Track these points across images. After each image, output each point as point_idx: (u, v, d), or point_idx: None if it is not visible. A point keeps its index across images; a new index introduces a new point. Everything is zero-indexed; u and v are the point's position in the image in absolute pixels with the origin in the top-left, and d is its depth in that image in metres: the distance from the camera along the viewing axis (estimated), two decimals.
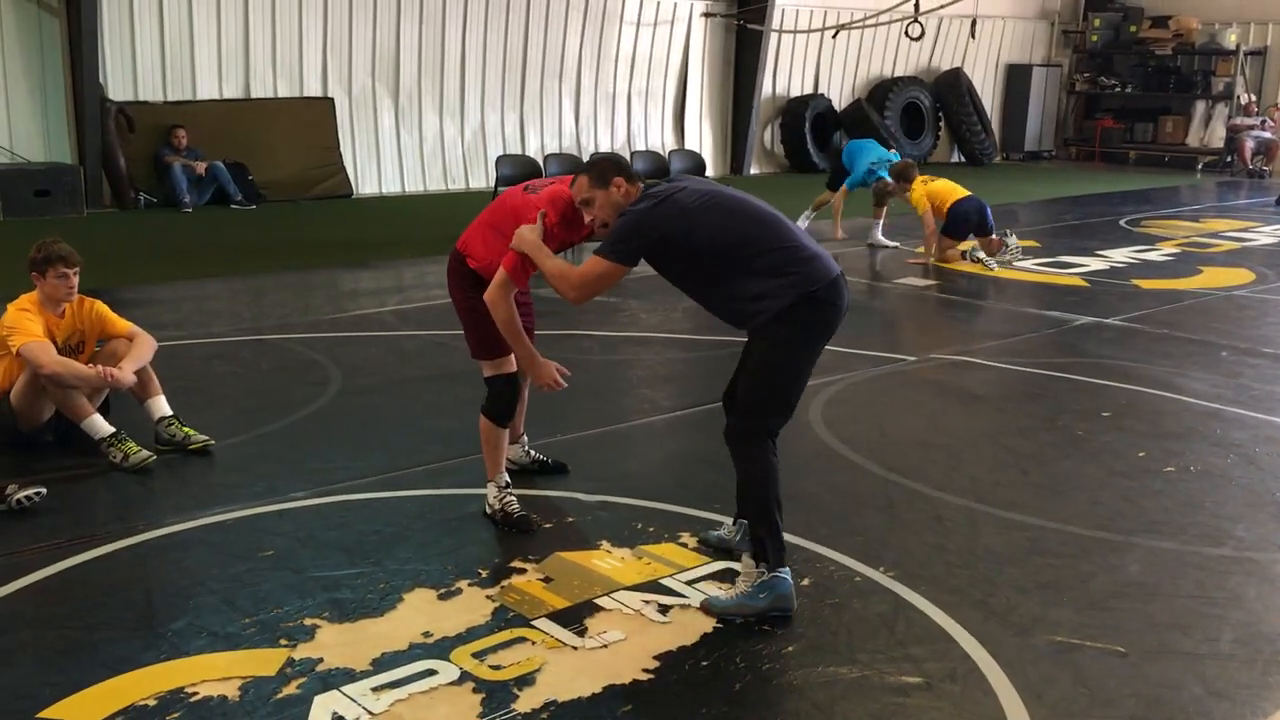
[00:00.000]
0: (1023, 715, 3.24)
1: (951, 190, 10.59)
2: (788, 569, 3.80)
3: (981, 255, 10.50)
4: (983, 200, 10.61)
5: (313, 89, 14.20)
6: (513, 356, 4.48)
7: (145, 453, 5.04)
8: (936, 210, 10.47)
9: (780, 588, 3.74)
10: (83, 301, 5.32)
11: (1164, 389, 6.55)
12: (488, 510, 4.54)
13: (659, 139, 17.27)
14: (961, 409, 6.28)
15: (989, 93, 21.14)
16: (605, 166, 3.94)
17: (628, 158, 13.33)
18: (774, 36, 17.59)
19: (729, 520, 4.34)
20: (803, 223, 11.31)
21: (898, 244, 11.27)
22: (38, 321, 5.10)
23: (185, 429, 5.25)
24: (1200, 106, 20.76)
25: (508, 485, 4.56)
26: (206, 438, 5.26)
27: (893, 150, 12.09)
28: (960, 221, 10.45)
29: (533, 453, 5.09)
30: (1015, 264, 10.46)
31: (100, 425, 5.09)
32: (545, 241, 4.02)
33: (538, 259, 3.97)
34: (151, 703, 3.21)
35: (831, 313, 3.76)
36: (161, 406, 5.30)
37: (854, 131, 18.70)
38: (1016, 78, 21.34)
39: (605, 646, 3.57)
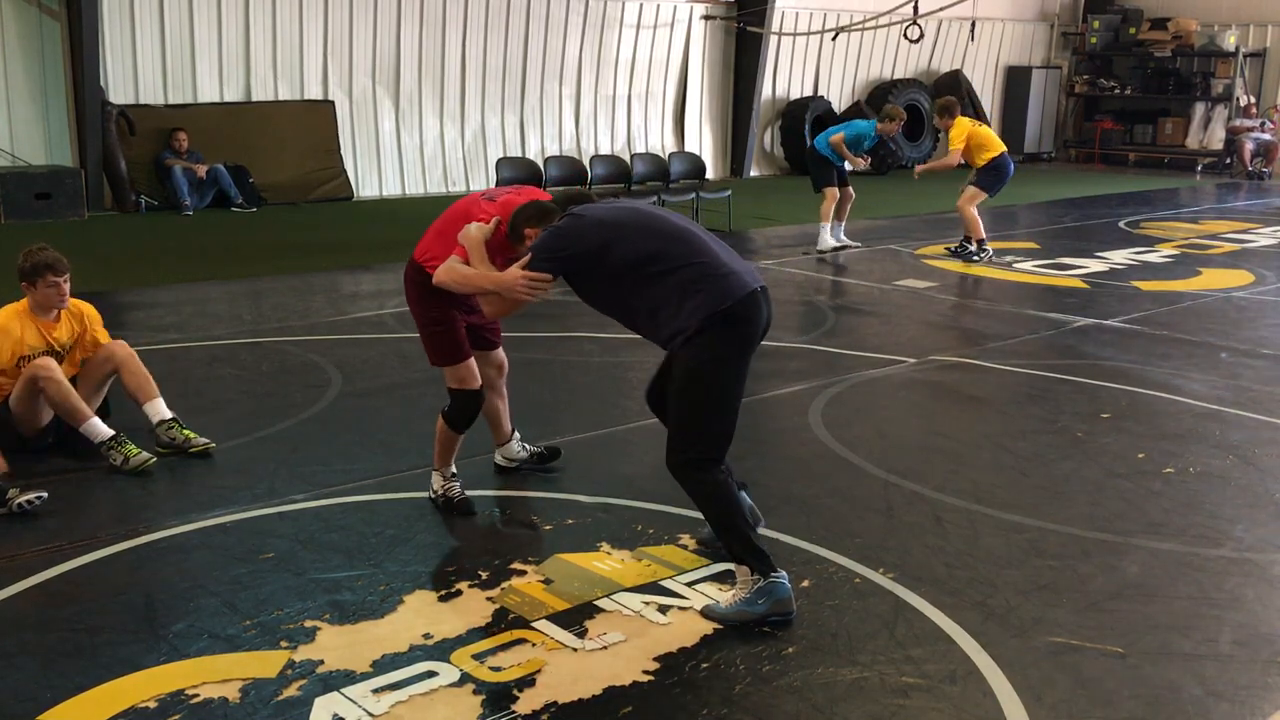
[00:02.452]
0: (1022, 716, 3.24)
1: (996, 141, 10.65)
2: (784, 574, 3.79)
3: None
4: None
5: (313, 92, 14.21)
6: (473, 365, 4.55)
7: (145, 455, 5.05)
8: (973, 156, 10.45)
9: (779, 592, 3.74)
10: (75, 304, 5.34)
11: (1163, 390, 6.56)
12: (431, 495, 4.65)
13: (659, 141, 17.28)
14: (961, 411, 6.28)
15: (989, 95, 21.15)
16: (517, 223, 4.03)
17: (628, 160, 13.33)
18: (774, 39, 17.60)
19: None
20: (837, 238, 11.04)
21: (860, 243, 11.18)
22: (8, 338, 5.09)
23: (185, 432, 5.26)
24: (1200, 108, 20.76)
25: (454, 475, 4.66)
26: (207, 440, 5.27)
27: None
28: (1001, 174, 10.51)
29: (528, 447, 5.14)
30: (1015, 265, 10.51)
31: (99, 428, 5.10)
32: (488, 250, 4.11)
33: (473, 256, 4.06)
34: (152, 705, 3.22)
35: (747, 328, 3.75)
36: (161, 410, 5.31)
37: None
38: (1016, 80, 21.34)
39: (605, 648, 3.57)
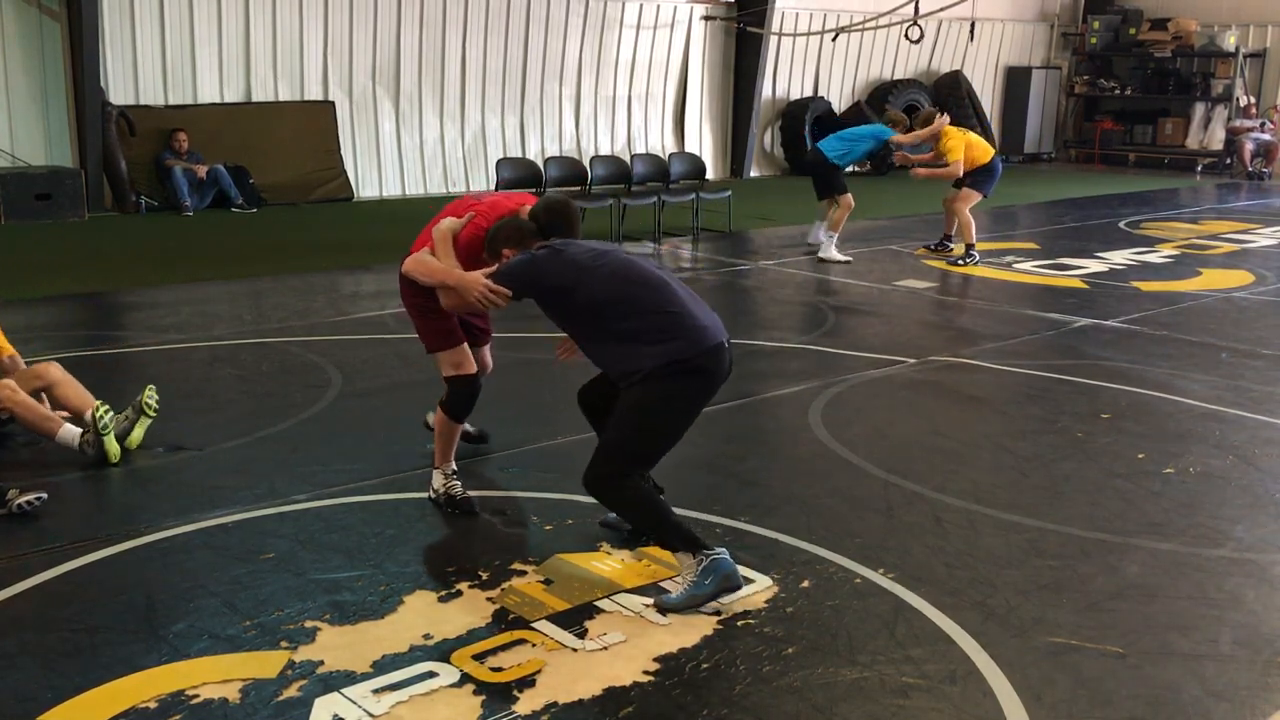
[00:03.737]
0: (1022, 716, 3.24)
1: (988, 147, 10.97)
2: (723, 549, 3.88)
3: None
4: None
5: (313, 92, 14.21)
6: (468, 351, 4.69)
7: (115, 446, 5.06)
8: (970, 161, 10.64)
9: (723, 567, 3.82)
10: None
11: (1163, 391, 6.56)
12: (432, 495, 4.68)
13: (659, 142, 17.28)
14: (961, 411, 6.28)
15: (988, 95, 21.15)
16: (505, 237, 4.15)
17: (628, 161, 13.32)
18: (774, 39, 17.60)
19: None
20: (821, 235, 10.95)
21: (850, 259, 10.81)
22: None
23: (125, 412, 5.22)
24: (1200, 108, 20.76)
25: (455, 473, 4.70)
26: (148, 389, 5.24)
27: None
28: (993, 174, 10.78)
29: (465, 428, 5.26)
30: (1015, 265, 10.55)
31: (72, 432, 5.11)
32: (458, 249, 4.30)
33: (439, 248, 4.28)
34: (152, 705, 3.22)
35: (704, 380, 3.88)
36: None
37: None
38: (1016, 80, 21.34)
39: (605, 649, 3.58)
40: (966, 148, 10.62)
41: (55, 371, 5.33)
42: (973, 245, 10.67)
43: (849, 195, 10.78)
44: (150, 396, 5.26)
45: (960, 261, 10.61)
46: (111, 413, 5.12)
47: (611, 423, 3.94)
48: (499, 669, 3.44)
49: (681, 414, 3.91)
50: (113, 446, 5.07)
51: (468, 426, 5.26)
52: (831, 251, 10.69)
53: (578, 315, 3.97)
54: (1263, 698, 3.39)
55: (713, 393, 3.96)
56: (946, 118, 10.80)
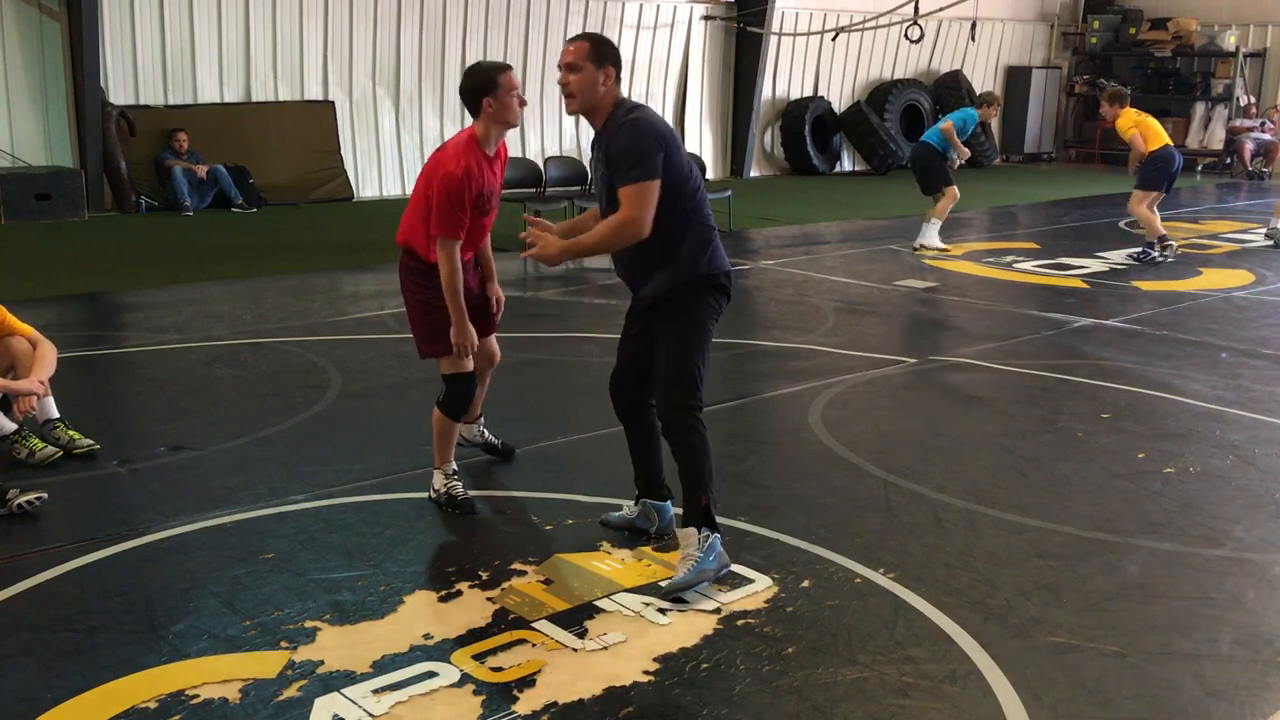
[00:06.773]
0: (1022, 716, 3.24)
1: (1159, 132, 10.76)
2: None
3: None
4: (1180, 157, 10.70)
5: (313, 92, 14.22)
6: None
7: (51, 449, 5.03)
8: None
9: (717, 545, 3.97)
10: None
11: (1164, 390, 6.56)
12: (432, 495, 4.67)
13: None
14: (961, 410, 6.28)
15: None
16: (608, 51, 3.95)
17: None
18: (774, 39, 17.61)
19: (632, 501, 4.50)
20: (932, 235, 11.18)
21: (948, 247, 11.25)
22: None
23: (71, 432, 5.18)
24: (1200, 108, 20.76)
25: (455, 473, 4.69)
26: (91, 442, 5.18)
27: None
28: (1163, 166, 10.56)
29: (486, 434, 5.25)
30: (1015, 265, 10.56)
31: (3, 423, 5.09)
32: (456, 230, 4.36)
33: (589, 246, 4.00)
34: (152, 705, 3.22)
35: (724, 299, 4.10)
36: (49, 409, 5.20)
37: (853, 134, 18.78)
38: (1016, 80, 21.35)
39: (605, 648, 3.57)
40: (1138, 126, 10.54)
41: (17, 344, 5.13)
42: (1164, 237, 10.77)
43: (955, 187, 11.00)
44: (86, 449, 5.15)
45: (1154, 257, 10.67)
46: (60, 455, 5.05)
47: (674, 348, 3.98)
48: (499, 669, 3.44)
49: (710, 329, 4.03)
50: (37, 444, 5.04)
51: (494, 439, 5.26)
52: (933, 238, 10.85)
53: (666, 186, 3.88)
54: (1263, 698, 3.39)
55: (720, 314, 4.10)
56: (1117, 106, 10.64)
